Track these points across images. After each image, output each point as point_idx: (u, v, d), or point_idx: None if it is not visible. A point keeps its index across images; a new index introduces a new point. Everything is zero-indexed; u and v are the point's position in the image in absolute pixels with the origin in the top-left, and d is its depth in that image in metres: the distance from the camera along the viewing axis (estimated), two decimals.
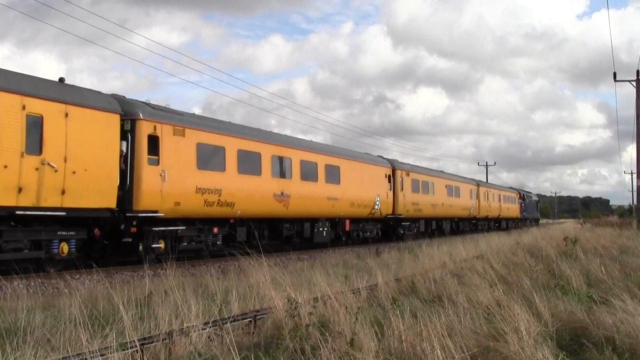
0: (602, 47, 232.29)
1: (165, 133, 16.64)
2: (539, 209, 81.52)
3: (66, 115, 13.96)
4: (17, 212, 13.00)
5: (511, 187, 67.92)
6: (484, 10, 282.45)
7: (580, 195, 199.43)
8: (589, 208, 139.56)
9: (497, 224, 56.30)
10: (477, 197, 48.80)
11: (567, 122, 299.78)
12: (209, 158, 18.40)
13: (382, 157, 33.54)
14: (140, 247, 16.07)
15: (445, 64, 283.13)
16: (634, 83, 33.79)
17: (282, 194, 22.04)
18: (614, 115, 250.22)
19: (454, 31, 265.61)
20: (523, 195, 67.68)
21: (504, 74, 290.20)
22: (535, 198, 77.98)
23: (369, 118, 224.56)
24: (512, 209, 61.04)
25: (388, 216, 31.64)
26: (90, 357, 5.61)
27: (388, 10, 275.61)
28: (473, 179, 51.39)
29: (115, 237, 15.86)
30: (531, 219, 70.86)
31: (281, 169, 22.55)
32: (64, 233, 14.18)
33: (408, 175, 34.20)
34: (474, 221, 48.96)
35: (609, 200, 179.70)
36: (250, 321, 7.60)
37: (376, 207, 29.72)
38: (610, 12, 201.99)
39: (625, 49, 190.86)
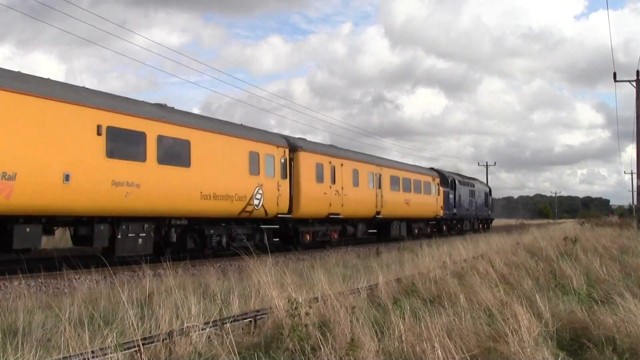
0: (599, 47, 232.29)
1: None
2: (490, 204, 54.40)
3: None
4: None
5: (432, 168, 41.65)
6: (481, 11, 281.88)
7: (581, 196, 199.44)
8: (589, 208, 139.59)
9: (381, 230, 30.64)
10: (294, 174, 22.34)
11: (565, 122, 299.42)
12: None
13: None
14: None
15: (443, 65, 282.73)
16: (634, 83, 33.82)
17: None
18: (612, 115, 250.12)
19: (451, 32, 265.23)
20: (452, 181, 41.76)
21: (502, 75, 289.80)
22: (484, 187, 52.32)
23: (368, 118, 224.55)
24: (419, 204, 34.41)
25: None
26: (90, 357, 5.61)
27: (386, 11, 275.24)
28: (281, 136, 22.85)
29: None
30: (473, 219, 46.74)
31: None
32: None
33: None
34: (260, 223, 20.73)
35: (609, 200, 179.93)
36: (251, 321, 7.60)
37: None
38: (607, 13, 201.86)
39: (622, 49, 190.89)
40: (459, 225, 44.04)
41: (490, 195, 55.64)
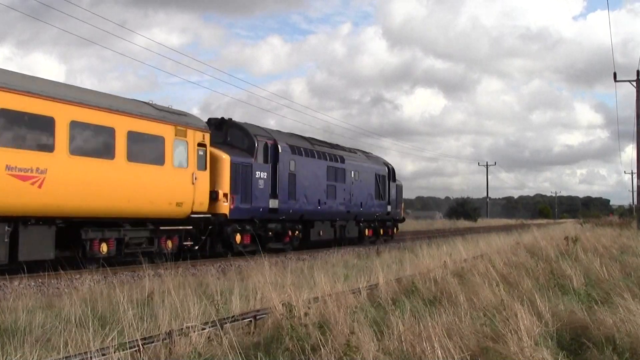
0: (597, 48, 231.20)
1: None
2: (391, 195, 32.23)
3: None
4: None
5: (211, 121, 21.00)
6: (479, 11, 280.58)
7: (581, 195, 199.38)
8: (589, 208, 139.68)
9: None
10: None
11: (564, 122, 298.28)
12: None
13: None
14: None
15: (442, 65, 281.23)
16: (634, 83, 33.85)
17: None
18: (611, 115, 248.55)
19: (450, 32, 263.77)
20: (268, 147, 21.82)
21: (500, 75, 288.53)
22: (374, 167, 30.67)
23: (367, 118, 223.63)
24: (97, 185, 14.97)
25: None
26: (91, 357, 5.61)
27: (384, 12, 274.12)
28: None
29: None
30: (347, 221, 27.40)
31: None
32: None
33: None
34: None
35: (609, 200, 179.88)
36: (250, 321, 7.60)
37: None
38: (604, 13, 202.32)
39: (620, 50, 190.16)
40: (295, 233, 23.48)
41: (393, 180, 32.52)
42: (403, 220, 35.63)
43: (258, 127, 22.86)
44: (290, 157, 23.12)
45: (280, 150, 22.41)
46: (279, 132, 24.37)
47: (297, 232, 23.84)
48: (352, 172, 28.06)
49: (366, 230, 29.66)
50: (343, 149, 29.11)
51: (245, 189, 20.52)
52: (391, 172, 32.60)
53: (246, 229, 20.75)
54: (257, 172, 21.16)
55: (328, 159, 26.22)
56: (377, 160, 32.44)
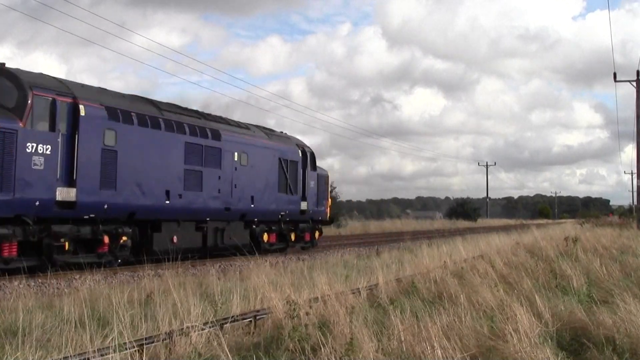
0: (596, 48, 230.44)
1: None
2: (308, 186, 24.06)
3: None
4: None
5: None
6: (478, 12, 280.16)
7: (580, 196, 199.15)
8: (589, 208, 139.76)
9: None
10: None
11: (564, 122, 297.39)
12: None
13: None
14: None
15: (441, 65, 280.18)
16: (634, 83, 33.87)
17: None
18: (610, 115, 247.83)
19: (448, 33, 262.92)
20: (54, 108, 13.80)
21: (499, 75, 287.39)
22: (278, 147, 22.61)
23: (367, 118, 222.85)
24: None
25: None
26: (91, 357, 5.61)
27: (383, 12, 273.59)
28: None
29: None
30: (229, 223, 19.78)
31: None
32: None
33: None
34: None
35: (609, 201, 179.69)
36: (250, 321, 7.60)
37: None
38: (603, 13, 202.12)
39: (619, 50, 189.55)
40: (120, 239, 15.80)
41: (313, 168, 25.08)
42: (331, 222, 27.18)
43: (46, 76, 14.92)
44: (105, 124, 15.26)
45: (83, 114, 14.61)
46: (94, 88, 16.47)
47: (123, 237, 15.87)
48: (236, 153, 20.06)
49: (265, 235, 21.64)
50: (226, 121, 20.93)
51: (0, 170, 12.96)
52: (308, 158, 24.60)
53: (4, 234, 13.11)
54: (30, 145, 13.44)
55: (188, 132, 18.00)
56: (287, 140, 24.08)
